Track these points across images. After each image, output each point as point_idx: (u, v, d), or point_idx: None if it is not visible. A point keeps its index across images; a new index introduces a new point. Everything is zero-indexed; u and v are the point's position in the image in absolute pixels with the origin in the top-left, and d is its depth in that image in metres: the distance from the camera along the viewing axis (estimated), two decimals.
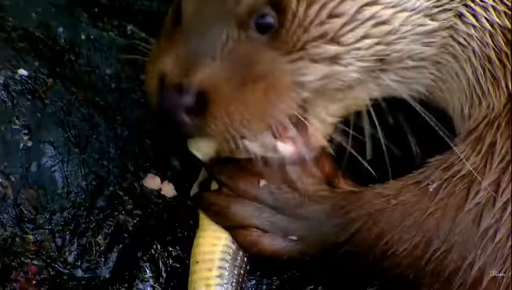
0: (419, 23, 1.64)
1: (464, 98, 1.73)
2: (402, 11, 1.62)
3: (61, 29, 1.88)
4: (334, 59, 1.60)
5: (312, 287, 1.77)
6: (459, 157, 1.68)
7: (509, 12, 1.64)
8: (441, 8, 1.64)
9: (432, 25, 1.65)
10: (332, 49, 1.59)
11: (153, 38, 1.78)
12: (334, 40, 1.59)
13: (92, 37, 1.89)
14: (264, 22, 1.60)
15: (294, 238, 1.71)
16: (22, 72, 1.82)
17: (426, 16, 1.64)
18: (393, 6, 1.61)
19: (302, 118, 1.65)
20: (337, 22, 1.59)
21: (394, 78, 1.68)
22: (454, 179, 1.66)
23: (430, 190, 1.66)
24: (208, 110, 1.59)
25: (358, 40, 1.61)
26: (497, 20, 1.64)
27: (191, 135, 1.65)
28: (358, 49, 1.61)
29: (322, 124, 1.70)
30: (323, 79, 1.62)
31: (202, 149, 1.71)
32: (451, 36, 1.67)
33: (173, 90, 1.59)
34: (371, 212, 1.68)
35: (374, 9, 1.60)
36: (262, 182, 1.71)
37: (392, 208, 1.68)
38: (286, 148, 1.67)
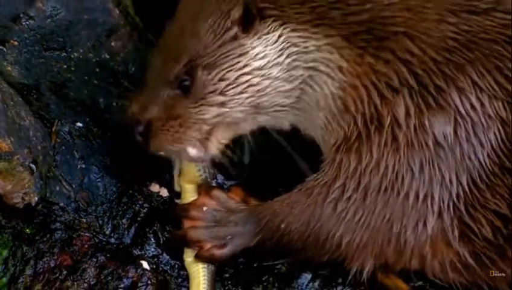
0: (279, 85, 1.89)
1: (318, 133, 1.97)
2: (267, 78, 1.88)
3: (102, 99, 2.13)
4: (222, 104, 1.88)
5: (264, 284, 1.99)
6: (321, 171, 1.95)
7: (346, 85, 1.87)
8: (293, 78, 1.89)
9: (288, 86, 1.90)
10: (221, 98, 1.88)
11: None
12: (222, 93, 1.88)
13: (120, 104, 2.11)
14: (183, 85, 1.89)
15: (230, 237, 1.97)
16: (79, 124, 2.13)
17: (284, 81, 1.89)
18: (262, 76, 1.87)
19: (204, 139, 1.91)
20: (223, 83, 1.87)
21: (266, 118, 1.94)
22: (320, 184, 1.94)
23: (308, 192, 1.94)
24: (151, 134, 1.91)
25: (237, 94, 1.88)
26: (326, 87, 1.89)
27: (146, 148, 1.93)
28: (238, 99, 1.88)
29: (217, 143, 1.95)
30: (216, 117, 1.89)
31: (177, 185, 2.08)
32: (303, 92, 1.91)
33: (135, 122, 1.92)
34: (273, 210, 1.97)
35: (248, 77, 1.87)
36: (205, 208, 2.02)
37: (286, 204, 1.96)
38: (193, 152, 1.93)
